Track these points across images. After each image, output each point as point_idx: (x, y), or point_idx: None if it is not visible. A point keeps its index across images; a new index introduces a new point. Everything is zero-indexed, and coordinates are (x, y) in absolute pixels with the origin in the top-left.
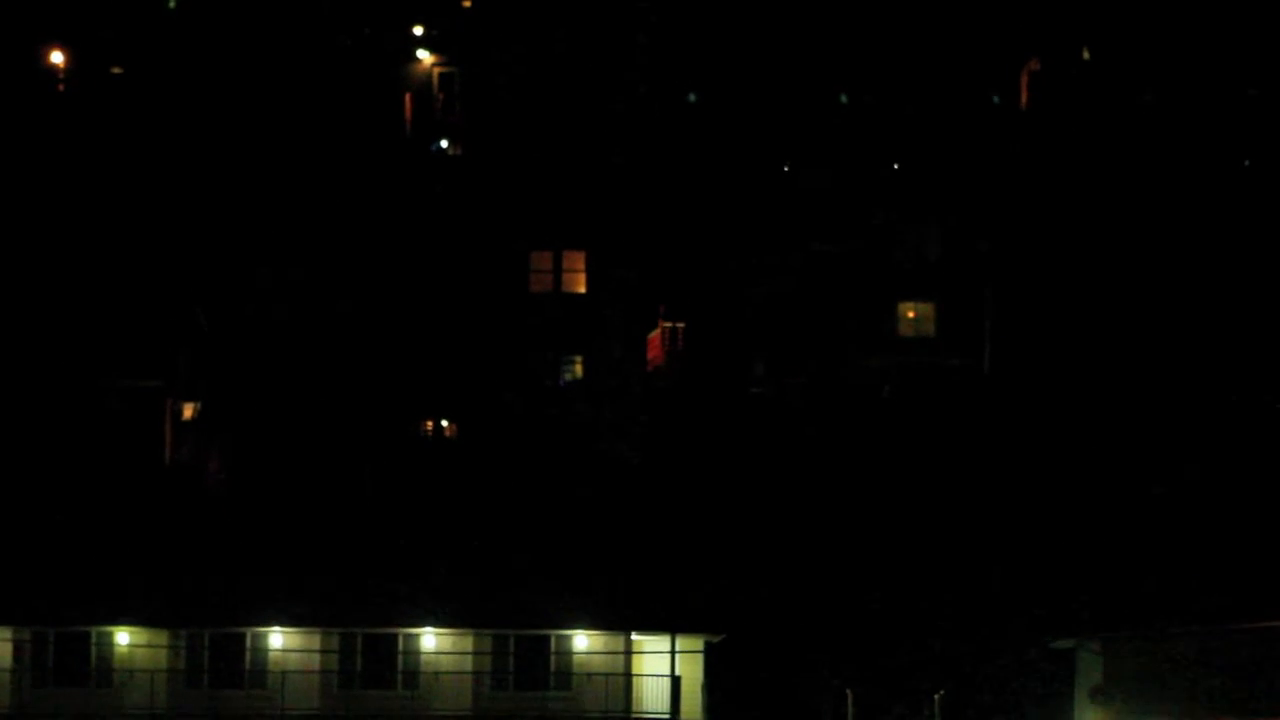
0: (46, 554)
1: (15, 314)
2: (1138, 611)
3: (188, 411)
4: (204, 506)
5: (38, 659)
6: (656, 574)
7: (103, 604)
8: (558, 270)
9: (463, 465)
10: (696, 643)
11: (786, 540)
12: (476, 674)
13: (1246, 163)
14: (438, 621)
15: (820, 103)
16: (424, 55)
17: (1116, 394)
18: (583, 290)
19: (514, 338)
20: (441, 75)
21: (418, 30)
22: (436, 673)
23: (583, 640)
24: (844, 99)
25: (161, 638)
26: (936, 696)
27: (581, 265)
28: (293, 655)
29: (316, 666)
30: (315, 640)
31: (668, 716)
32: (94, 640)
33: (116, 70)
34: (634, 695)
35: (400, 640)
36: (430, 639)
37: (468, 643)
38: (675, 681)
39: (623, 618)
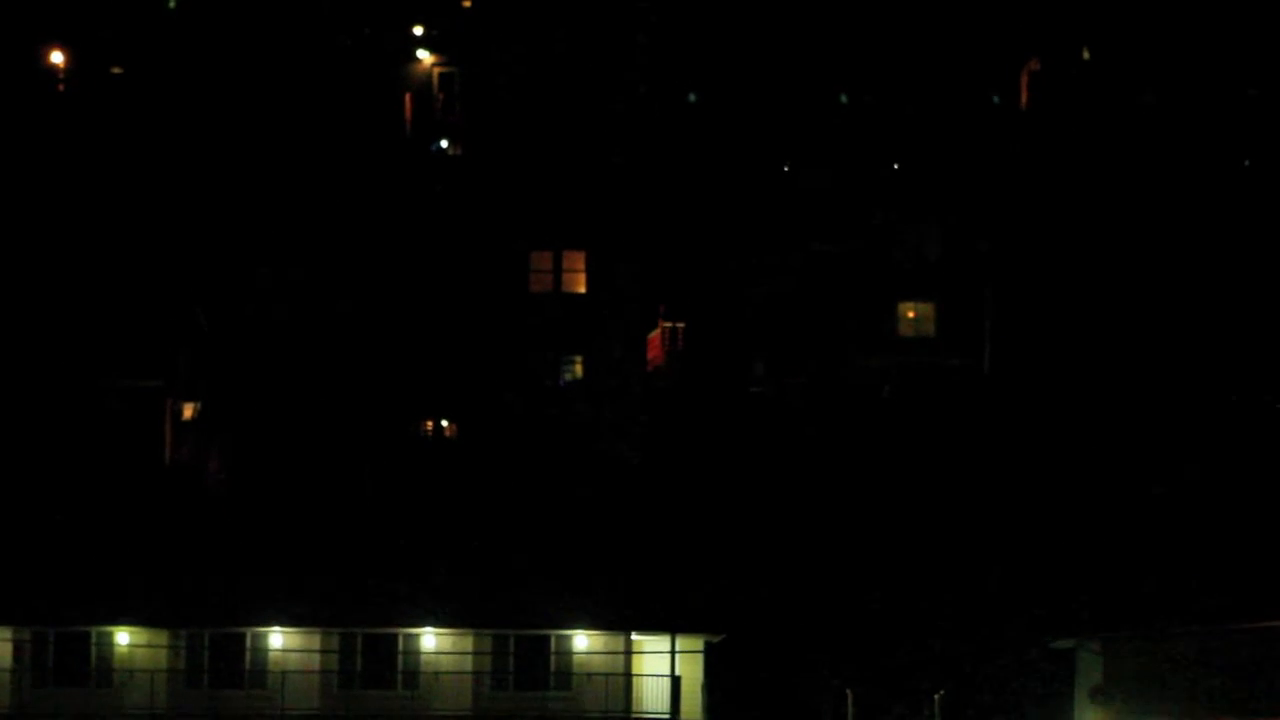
0: (46, 554)
1: (15, 314)
2: (1138, 611)
3: (188, 411)
4: (204, 506)
5: (38, 659)
6: (656, 574)
7: (103, 604)
8: (558, 270)
9: (463, 465)
10: (696, 643)
11: (786, 540)
12: (476, 674)
13: (1246, 163)
14: (438, 621)
15: (820, 103)
16: (424, 55)
17: (1116, 394)
18: (583, 290)
19: (514, 338)
20: (441, 75)
21: (418, 30)
22: (436, 673)
23: (583, 640)
24: (844, 99)
25: (161, 638)
26: (936, 696)
27: (581, 265)
28: (293, 655)
29: (316, 666)
30: (315, 640)
31: (668, 717)
32: (94, 640)
33: (116, 70)
34: (634, 695)
35: (400, 640)
36: (430, 639)
37: (468, 643)
38: (675, 681)
39: (623, 618)
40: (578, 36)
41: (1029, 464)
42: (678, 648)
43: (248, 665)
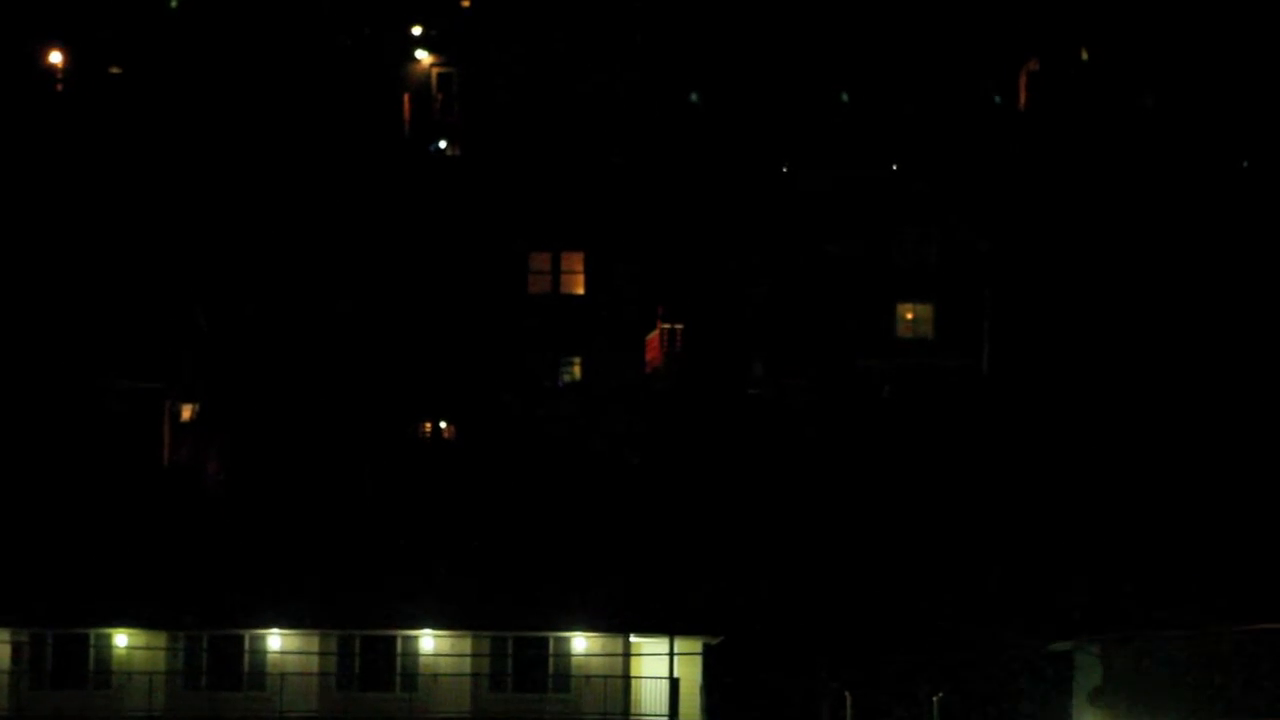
0: (45, 555)
1: (15, 314)
2: (1137, 614)
3: (186, 413)
4: (203, 508)
5: (36, 661)
6: (655, 576)
7: (101, 606)
8: (556, 271)
9: (461, 466)
10: (695, 645)
11: (786, 541)
12: (475, 676)
13: (1246, 163)
14: (436, 623)
15: (821, 103)
16: (423, 55)
17: (1115, 395)
18: (581, 291)
19: (512, 339)
20: (440, 75)
21: (416, 30)
22: (435, 675)
23: (581, 642)
24: (844, 99)
25: (160, 639)
26: (935, 699)
27: (580, 266)
28: (291, 657)
29: (315, 668)
30: (314, 642)
31: (666, 719)
32: (92, 642)
33: (116, 70)
34: (632, 697)
35: (399, 642)
36: (429, 641)
37: (466, 644)
38: (674, 683)
39: (621, 620)
40: (576, 37)
41: (1028, 465)
42: (676, 650)
43: (246, 667)
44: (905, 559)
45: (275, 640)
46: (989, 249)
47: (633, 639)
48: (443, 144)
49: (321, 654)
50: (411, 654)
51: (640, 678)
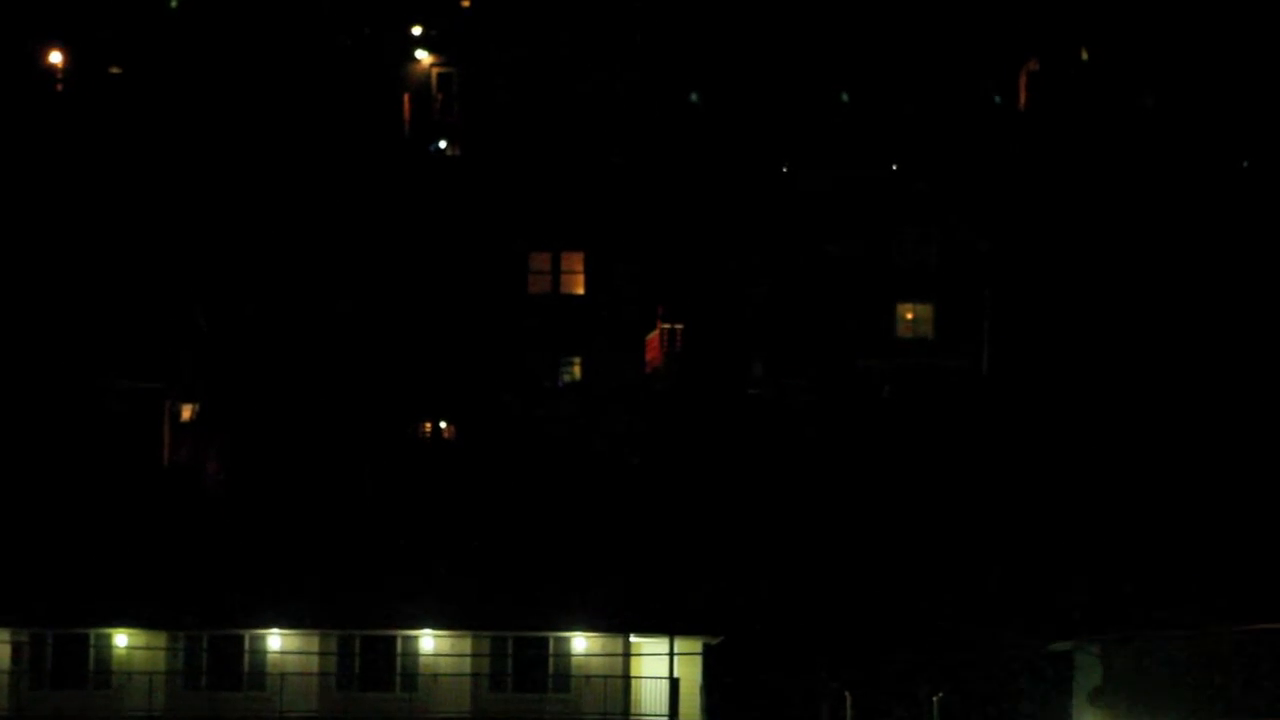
0: (45, 555)
1: (15, 314)
2: (1137, 614)
3: (186, 413)
4: (202, 508)
5: (36, 661)
6: (655, 576)
7: (101, 606)
8: (556, 271)
9: (461, 466)
10: (695, 645)
11: (786, 542)
12: (475, 676)
13: (1246, 163)
14: (436, 623)
15: (821, 103)
16: (423, 55)
17: (1115, 395)
18: (581, 291)
19: (512, 339)
20: (440, 76)
21: (416, 30)
22: (435, 675)
23: (581, 642)
24: (844, 99)
25: (160, 639)
26: (935, 699)
27: (580, 266)
28: (291, 657)
29: (315, 668)
30: (314, 642)
31: (666, 719)
32: (92, 642)
33: (116, 70)
34: (632, 697)
35: (399, 642)
36: (429, 641)
37: (466, 644)
38: (674, 683)
39: (621, 620)
40: (576, 37)
41: (1028, 465)
42: (676, 650)
43: (246, 667)
44: (905, 559)
45: (275, 640)
46: (989, 249)
47: (633, 639)
48: (443, 144)
49: (321, 654)
50: (411, 654)
51: (640, 678)
